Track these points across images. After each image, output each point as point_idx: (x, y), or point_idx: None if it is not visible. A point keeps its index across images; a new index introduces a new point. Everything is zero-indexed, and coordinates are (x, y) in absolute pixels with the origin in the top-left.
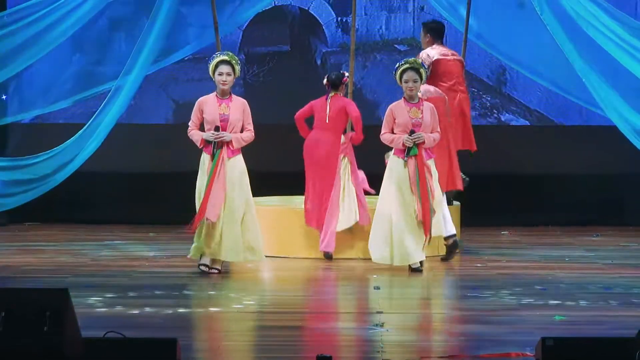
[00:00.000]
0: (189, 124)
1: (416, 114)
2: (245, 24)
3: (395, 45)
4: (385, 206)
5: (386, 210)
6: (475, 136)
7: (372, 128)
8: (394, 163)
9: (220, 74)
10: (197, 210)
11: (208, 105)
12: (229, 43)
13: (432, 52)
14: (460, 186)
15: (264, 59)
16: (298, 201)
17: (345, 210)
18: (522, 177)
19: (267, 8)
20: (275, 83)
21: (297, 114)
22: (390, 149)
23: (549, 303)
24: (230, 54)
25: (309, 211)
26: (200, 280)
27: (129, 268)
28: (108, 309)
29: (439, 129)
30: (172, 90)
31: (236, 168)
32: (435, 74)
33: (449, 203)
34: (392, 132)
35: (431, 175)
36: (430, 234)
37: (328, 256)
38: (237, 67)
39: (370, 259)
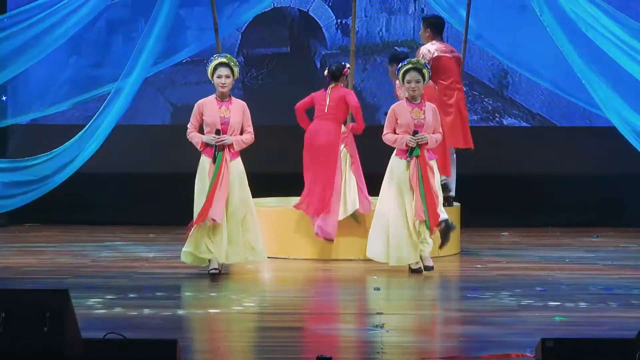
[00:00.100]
0: (188, 126)
1: (418, 115)
2: (244, 26)
3: (396, 47)
4: (384, 207)
5: (385, 211)
6: (475, 137)
7: (372, 129)
8: (395, 164)
9: (219, 77)
10: (195, 212)
11: (208, 107)
12: (228, 45)
13: (432, 48)
14: (448, 173)
15: (263, 61)
16: (296, 202)
17: (346, 199)
18: (522, 178)
19: (266, 10)
20: (274, 85)
21: (298, 104)
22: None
23: (549, 304)
24: (229, 56)
25: (306, 200)
26: (200, 281)
27: (129, 269)
28: (108, 310)
29: (440, 130)
30: (170, 93)
31: (236, 170)
32: (434, 70)
33: (449, 204)
34: (395, 133)
35: (433, 175)
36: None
37: (330, 240)
38: (236, 69)
39: (370, 260)
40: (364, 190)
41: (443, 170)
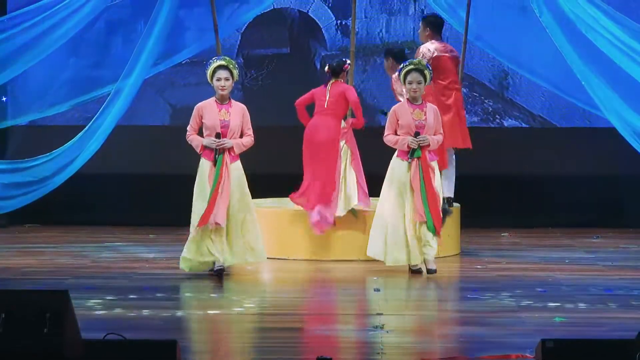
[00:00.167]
0: (188, 128)
1: (419, 116)
2: (244, 27)
3: None
4: (384, 208)
5: (385, 212)
6: (475, 137)
7: (372, 130)
8: (396, 165)
9: (219, 80)
10: (192, 212)
11: (208, 110)
12: (228, 46)
13: (431, 47)
14: (445, 165)
15: (262, 62)
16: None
17: (346, 195)
18: (522, 179)
19: (266, 10)
20: (274, 86)
21: (298, 100)
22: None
23: (549, 305)
24: (228, 58)
25: (305, 195)
26: (200, 282)
27: (129, 270)
28: (108, 311)
29: (442, 131)
30: (169, 94)
31: (236, 172)
32: (433, 70)
33: (449, 205)
34: (396, 134)
35: (434, 176)
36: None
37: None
38: (235, 72)
39: (370, 260)
40: (363, 185)
41: (441, 165)
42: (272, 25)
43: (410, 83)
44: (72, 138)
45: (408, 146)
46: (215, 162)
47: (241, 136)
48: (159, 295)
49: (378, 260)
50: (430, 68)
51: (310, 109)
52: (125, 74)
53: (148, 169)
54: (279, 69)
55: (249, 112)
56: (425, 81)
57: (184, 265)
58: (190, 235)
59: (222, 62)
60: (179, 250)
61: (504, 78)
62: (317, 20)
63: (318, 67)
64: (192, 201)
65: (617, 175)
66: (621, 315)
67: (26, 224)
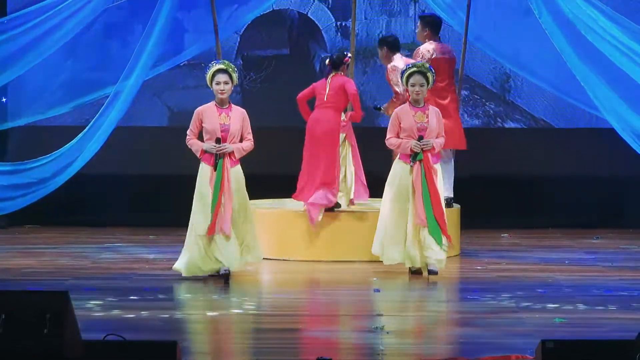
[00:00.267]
0: (187, 132)
1: (421, 119)
2: (243, 28)
3: None
4: (385, 210)
5: (385, 214)
6: (475, 138)
7: (372, 131)
8: (398, 168)
9: (218, 83)
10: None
11: (208, 114)
12: (227, 48)
13: (431, 48)
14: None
15: (262, 63)
16: (294, 203)
17: (345, 188)
18: (522, 180)
19: (265, 12)
20: (273, 88)
21: (299, 95)
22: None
23: (549, 306)
24: (227, 62)
25: (302, 186)
26: (200, 283)
27: (129, 271)
28: (108, 312)
29: (443, 134)
30: (167, 97)
31: (236, 177)
32: None
33: (449, 205)
34: (398, 137)
35: (437, 178)
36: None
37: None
38: (235, 75)
39: (370, 260)
40: (362, 177)
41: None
42: (272, 27)
43: (413, 85)
44: (72, 139)
45: (411, 149)
46: (215, 167)
47: (241, 140)
48: (159, 296)
49: (379, 260)
50: (433, 70)
51: (312, 103)
52: (125, 76)
53: (148, 170)
54: (279, 70)
55: (248, 112)
56: (428, 84)
57: (187, 273)
58: (189, 241)
59: (222, 66)
60: (179, 251)
61: (505, 81)
62: (316, 22)
63: (317, 68)
64: (191, 202)
65: (617, 176)
66: (621, 316)
67: (26, 225)
